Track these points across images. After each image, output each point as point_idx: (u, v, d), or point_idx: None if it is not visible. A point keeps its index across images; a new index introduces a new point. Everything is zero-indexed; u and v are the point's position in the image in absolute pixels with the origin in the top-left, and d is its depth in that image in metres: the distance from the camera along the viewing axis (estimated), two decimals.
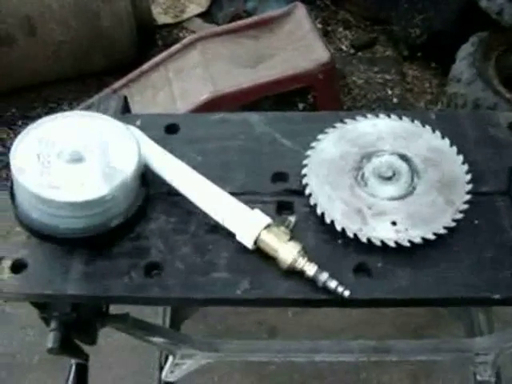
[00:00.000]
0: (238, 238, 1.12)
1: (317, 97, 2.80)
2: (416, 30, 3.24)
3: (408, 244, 1.10)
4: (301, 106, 3.03)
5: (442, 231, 1.12)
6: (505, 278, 1.11)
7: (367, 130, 1.27)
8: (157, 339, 1.46)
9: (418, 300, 1.11)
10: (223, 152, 1.32)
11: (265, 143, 1.32)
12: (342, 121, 1.30)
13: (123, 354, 2.10)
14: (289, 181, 1.26)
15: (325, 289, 1.08)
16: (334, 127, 1.28)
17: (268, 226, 1.13)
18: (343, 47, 3.38)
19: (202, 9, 3.59)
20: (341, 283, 1.07)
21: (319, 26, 3.44)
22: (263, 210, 1.18)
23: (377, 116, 1.30)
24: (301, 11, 2.92)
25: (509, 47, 2.92)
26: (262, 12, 3.32)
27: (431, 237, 1.11)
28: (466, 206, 1.16)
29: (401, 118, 1.29)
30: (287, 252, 1.09)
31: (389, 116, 1.30)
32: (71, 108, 3.06)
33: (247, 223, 1.12)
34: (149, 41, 3.40)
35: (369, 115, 1.30)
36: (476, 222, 1.18)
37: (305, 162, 1.23)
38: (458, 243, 1.15)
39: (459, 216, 1.14)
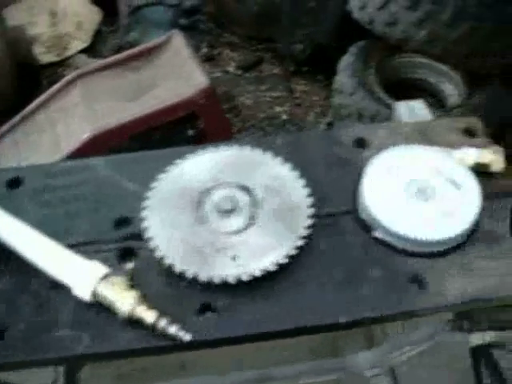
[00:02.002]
0: (75, 292, 1.08)
1: (202, 123, 2.77)
2: (299, 45, 3.26)
3: (248, 278, 1.08)
4: (191, 132, 3.00)
5: (284, 260, 1.10)
6: (352, 299, 1.10)
7: (208, 164, 1.25)
8: None
9: (266, 334, 1.09)
10: (67, 201, 1.28)
11: (108, 187, 1.29)
12: (182, 157, 1.27)
13: None
14: (132, 225, 1.22)
15: (167, 335, 1.04)
16: (174, 164, 1.25)
17: (105, 277, 1.08)
18: (230, 69, 3.38)
19: (85, 44, 3.54)
20: (181, 327, 1.04)
21: (205, 50, 3.44)
22: (105, 259, 1.15)
23: (217, 148, 1.27)
24: (178, 39, 2.90)
25: (387, 53, 2.97)
26: (145, 42, 3.29)
27: (272, 268, 1.09)
28: (308, 232, 1.14)
29: (242, 147, 1.27)
30: (125, 302, 1.06)
31: (230, 146, 1.27)
32: None
33: (82, 276, 1.08)
34: (33, 82, 3.31)
35: (210, 148, 1.27)
36: (321, 245, 1.17)
37: (145, 203, 1.19)
38: (302, 270, 1.14)
39: (301, 242, 1.13)
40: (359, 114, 2.76)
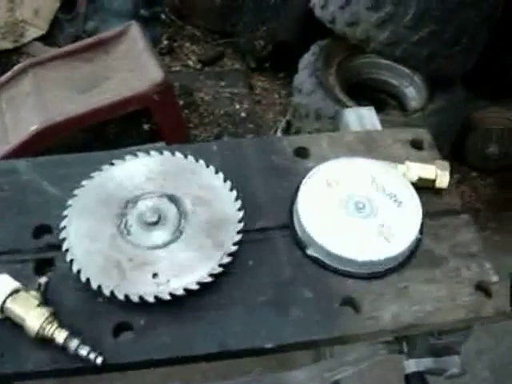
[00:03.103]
0: None
1: (157, 118, 2.68)
2: (260, 41, 3.19)
3: (169, 297, 1.00)
4: (146, 126, 2.91)
5: (208, 279, 1.03)
6: (280, 322, 1.02)
7: (136, 171, 1.16)
8: None
9: (185, 358, 1.01)
10: None
11: (30, 192, 1.20)
12: (110, 162, 1.18)
13: None
14: (52, 234, 1.13)
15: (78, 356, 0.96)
16: (100, 170, 1.16)
17: (15, 292, 1.00)
18: (190, 63, 3.29)
19: (41, 31, 3.41)
20: (93, 349, 0.96)
21: (165, 42, 3.34)
22: (21, 270, 1.07)
23: (148, 154, 1.19)
24: (135, 30, 2.80)
25: (349, 53, 2.90)
26: (104, 32, 3.18)
27: (195, 287, 1.01)
28: (235, 248, 1.06)
29: (173, 154, 1.19)
30: (34, 319, 0.98)
31: (161, 153, 1.19)
32: None
33: None
34: None
35: (140, 154, 1.19)
36: (250, 262, 1.09)
37: (65, 212, 1.10)
38: (228, 290, 1.06)
39: (228, 260, 1.05)
40: (317, 115, 2.70)
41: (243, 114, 3.06)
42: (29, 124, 2.60)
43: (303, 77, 2.82)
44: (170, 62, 3.37)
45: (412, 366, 1.11)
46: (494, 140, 2.97)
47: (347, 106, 2.67)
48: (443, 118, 2.67)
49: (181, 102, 3.12)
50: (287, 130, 3.04)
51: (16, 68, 2.86)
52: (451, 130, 2.74)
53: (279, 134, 3.07)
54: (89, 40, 2.92)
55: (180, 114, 2.84)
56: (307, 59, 2.88)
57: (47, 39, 3.43)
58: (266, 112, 3.12)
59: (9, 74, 2.86)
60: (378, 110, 2.58)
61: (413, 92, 2.90)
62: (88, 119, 2.59)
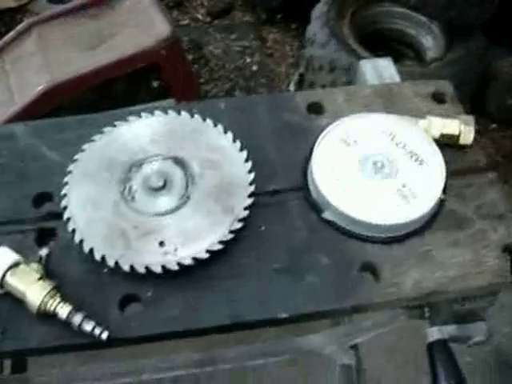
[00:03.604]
0: None
1: (165, 74, 2.60)
2: None
3: (177, 267, 0.94)
4: (155, 83, 2.83)
5: (218, 247, 0.96)
6: (294, 291, 0.96)
7: (140, 133, 1.10)
8: None
9: (194, 330, 0.95)
10: None
11: (29, 158, 1.14)
12: (112, 123, 1.11)
13: None
14: (54, 202, 1.07)
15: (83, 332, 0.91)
16: (102, 133, 1.09)
17: (16, 265, 0.95)
18: (199, 16, 3.18)
19: None
20: (98, 324, 0.90)
21: None
22: (22, 241, 1.02)
23: (152, 114, 1.12)
24: None
25: (364, 2, 2.79)
26: None
27: (204, 255, 0.95)
28: (246, 213, 1.00)
29: (179, 113, 1.12)
30: (35, 294, 0.93)
31: (166, 112, 1.12)
32: None
33: None
34: None
35: (144, 114, 1.12)
36: (262, 228, 1.03)
37: (66, 178, 1.04)
38: (239, 257, 1.00)
39: (239, 225, 0.99)
40: (331, 67, 2.60)
41: (254, 68, 2.96)
42: (34, 85, 2.53)
43: (316, 28, 2.71)
44: (178, 15, 3.26)
45: (435, 333, 1.05)
46: None
47: (362, 58, 2.55)
48: (462, 68, 2.57)
49: (190, 57, 3.03)
50: (300, 84, 2.95)
51: (19, 27, 2.78)
52: (470, 81, 2.64)
53: (292, 87, 2.98)
54: None
55: (190, 69, 2.75)
56: (320, 9, 2.77)
57: None
58: (278, 65, 3.02)
59: (12, 33, 2.77)
60: (395, 61, 2.48)
61: (430, 41, 2.79)
62: (95, 77, 2.52)
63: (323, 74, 2.66)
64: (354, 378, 1.74)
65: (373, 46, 2.72)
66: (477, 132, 1.12)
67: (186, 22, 3.25)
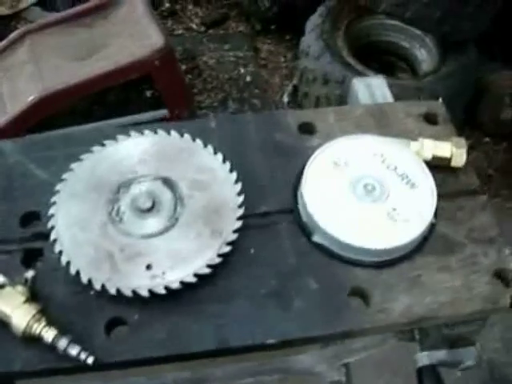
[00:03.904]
0: None
1: (159, 84, 2.59)
2: (266, 2, 3.06)
3: (164, 291, 0.93)
4: (148, 93, 2.82)
5: (206, 270, 0.95)
6: (282, 317, 0.95)
7: (128, 152, 1.08)
8: None
9: (182, 355, 0.94)
10: None
11: (16, 176, 1.12)
12: (102, 141, 1.10)
13: None
14: (41, 222, 1.05)
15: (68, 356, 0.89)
16: (90, 152, 1.08)
17: (1, 287, 0.93)
18: (193, 26, 3.17)
19: None
20: (84, 348, 0.89)
21: (167, 4, 3.22)
22: (8, 262, 1.01)
23: (142, 133, 1.11)
24: None
25: (358, 15, 2.79)
26: None
27: (192, 279, 0.94)
28: (235, 236, 0.98)
29: (169, 133, 1.10)
30: (20, 317, 0.91)
31: (155, 132, 1.11)
32: None
33: None
34: None
35: (133, 133, 1.11)
36: (251, 251, 1.02)
37: (54, 198, 1.03)
38: (227, 281, 0.99)
39: (227, 249, 0.97)
40: (325, 79, 2.60)
41: (248, 79, 2.96)
42: (26, 94, 2.53)
43: (310, 39, 2.71)
44: (172, 25, 3.26)
45: (424, 358, 1.03)
46: (507, 104, 2.86)
47: (356, 70, 2.57)
48: (456, 81, 2.57)
49: (183, 67, 3.02)
50: (294, 95, 2.94)
51: (12, 36, 2.77)
52: (464, 94, 2.64)
53: (285, 98, 2.98)
54: (87, 4, 2.83)
55: (183, 79, 2.75)
56: (314, 21, 2.78)
57: (45, 4, 3.32)
58: (272, 76, 3.01)
59: (4, 42, 2.77)
60: (388, 74, 2.49)
61: (424, 54, 2.79)
62: (87, 88, 2.52)
63: (317, 86, 2.65)
64: None
65: (367, 58, 2.72)
66: (469, 145, 1.11)
67: (180, 31, 3.24)
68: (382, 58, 2.86)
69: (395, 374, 1.83)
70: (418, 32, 2.74)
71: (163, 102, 2.72)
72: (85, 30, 2.71)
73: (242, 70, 2.94)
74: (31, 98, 2.44)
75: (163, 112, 2.73)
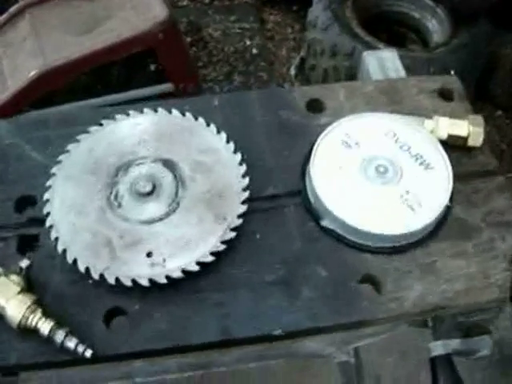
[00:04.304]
0: None
1: (162, 58, 2.52)
2: None
3: (165, 280, 0.88)
4: (152, 67, 2.75)
5: (209, 258, 0.90)
6: (289, 306, 0.90)
7: (127, 132, 1.03)
8: None
9: (184, 347, 0.89)
10: None
11: (12, 159, 1.07)
12: (99, 121, 1.05)
13: None
14: (37, 206, 1.00)
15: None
16: (87, 132, 1.03)
17: None
18: None
19: None
20: (82, 341, 0.84)
21: None
22: (3, 249, 0.97)
23: (141, 112, 1.05)
24: None
25: None
26: None
27: (194, 268, 0.89)
28: (240, 221, 0.93)
29: (169, 112, 1.05)
30: (15, 308, 0.87)
31: (155, 110, 1.05)
32: None
33: None
34: None
35: (131, 112, 1.05)
36: (257, 236, 0.97)
37: (49, 182, 0.98)
38: (231, 269, 0.94)
39: (231, 235, 0.92)
40: (333, 51, 2.52)
41: (254, 51, 2.88)
42: (27, 70, 2.47)
43: (318, 10, 2.63)
44: None
45: (439, 348, 0.98)
46: None
47: (365, 42, 2.49)
48: (467, 54, 2.49)
49: (188, 39, 2.95)
50: (301, 67, 2.87)
51: (12, 10, 2.70)
52: (476, 67, 2.56)
53: (293, 71, 2.90)
54: None
55: (188, 53, 2.67)
56: None
57: None
58: (279, 48, 2.93)
59: (4, 16, 2.69)
60: (399, 45, 2.41)
61: (435, 25, 2.70)
62: (89, 63, 2.45)
63: (325, 59, 2.58)
64: (354, 375, 1.69)
65: (376, 29, 2.64)
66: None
67: (184, 2, 3.16)
68: (392, 29, 2.78)
69: (406, 357, 1.78)
70: (430, 2, 2.65)
71: (168, 76, 2.65)
72: (86, 4, 2.63)
73: (248, 42, 2.86)
74: (32, 73, 2.38)
75: (168, 86, 2.67)
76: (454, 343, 0.98)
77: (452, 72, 1.21)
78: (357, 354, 1.53)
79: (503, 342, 2.41)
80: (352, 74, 2.06)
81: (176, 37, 2.50)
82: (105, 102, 2.47)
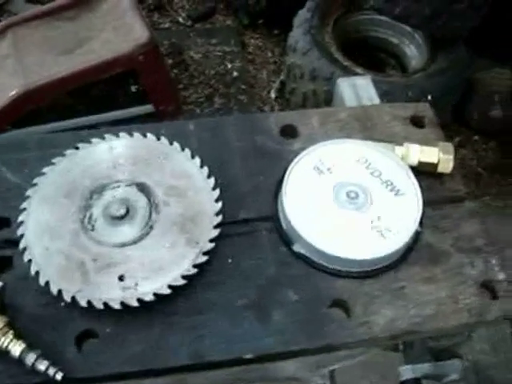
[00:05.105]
0: None
1: (143, 80, 2.54)
2: None
3: (137, 304, 0.89)
4: (133, 88, 2.77)
5: (181, 282, 0.91)
6: (260, 330, 0.91)
7: (103, 156, 1.04)
8: None
9: (156, 370, 0.89)
10: None
11: None
12: (75, 144, 1.06)
13: None
14: (12, 228, 1.01)
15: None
16: (63, 155, 1.04)
17: None
18: (180, 19, 3.11)
19: None
20: (52, 363, 0.85)
21: None
22: None
23: (117, 136, 1.06)
24: None
25: (347, 10, 2.74)
26: None
27: (166, 291, 0.90)
28: (211, 245, 0.94)
29: (145, 136, 1.06)
30: None
31: (131, 134, 1.06)
32: None
33: None
34: None
35: (107, 135, 1.06)
36: (229, 260, 0.98)
37: (24, 204, 0.98)
38: (203, 293, 0.95)
39: (203, 259, 0.93)
40: (313, 75, 2.55)
41: (235, 74, 2.91)
42: (8, 89, 2.48)
43: (298, 35, 2.67)
44: (159, 18, 3.20)
45: (408, 372, 1.00)
46: (497, 102, 2.83)
47: (344, 66, 2.53)
48: (445, 78, 2.53)
49: (170, 61, 2.98)
50: (281, 91, 2.90)
51: None
52: (453, 92, 2.60)
53: (273, 94, 2.93)
54: None
55: (169, 75, 2.70)
56: (302, 16, 2.73)
57: None
58: (260, 71, 2.96)
59: None
60: (378, 70, 2.44)
61: (414, 51, 2.75)
62: (70, 82, 2.47)
63: (304, 83, 2.61)
64: None
65: (355, 54, 2.67)
66: (458, 143, 1.08)
67: (166, 25, 3.19)
68: (371, 54, 2.82)
69: (380, 380, 1.80)
70: (408, 28, 2.69)
71: (148, 98, 2.66)
72: (69, 24, 2.66)
73: (229, 65, 2.89)
74: (13, 92, 2.39)
75: (148, 107, 2.68)
76: (424, 367, 0.99)
77: (429, 97, 1.23)
78: (332, 377, 1.54)
79: (479, 365, 2.42)
80: (331, 98, 2.08)
81: (157, 59, 2.53)
82: (85, 122, 2.48)
